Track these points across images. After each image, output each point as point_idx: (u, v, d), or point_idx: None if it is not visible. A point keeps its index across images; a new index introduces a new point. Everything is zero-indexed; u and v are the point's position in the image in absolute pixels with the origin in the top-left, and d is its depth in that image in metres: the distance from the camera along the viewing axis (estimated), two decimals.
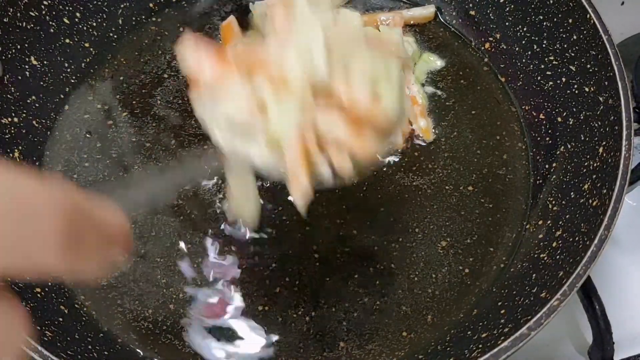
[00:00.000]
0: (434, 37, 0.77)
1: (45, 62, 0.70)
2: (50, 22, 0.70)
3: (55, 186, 0.25)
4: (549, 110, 0.68)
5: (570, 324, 0.69)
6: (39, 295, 0.57)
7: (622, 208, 0.53)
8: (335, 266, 0.61)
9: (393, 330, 0.58)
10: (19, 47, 0.67)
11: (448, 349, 0.56)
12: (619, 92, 0.58)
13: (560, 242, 0.58)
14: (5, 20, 0.66)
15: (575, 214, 0.58)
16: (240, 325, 0.59)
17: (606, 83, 0.60)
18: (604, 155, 0.58)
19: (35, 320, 0.53)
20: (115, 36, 0.76)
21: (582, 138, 0.63)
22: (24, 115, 0.68)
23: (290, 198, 0.45)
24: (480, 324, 0.56)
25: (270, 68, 0.42)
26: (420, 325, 0.59)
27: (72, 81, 0.72)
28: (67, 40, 0.72)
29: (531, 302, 0.53)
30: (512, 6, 0.73)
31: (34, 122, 0.69)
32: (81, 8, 0.73)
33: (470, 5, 0.76)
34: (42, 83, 0.70)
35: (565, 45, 0.67)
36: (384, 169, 0.67)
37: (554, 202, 0.62)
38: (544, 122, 0.69)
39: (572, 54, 0.66)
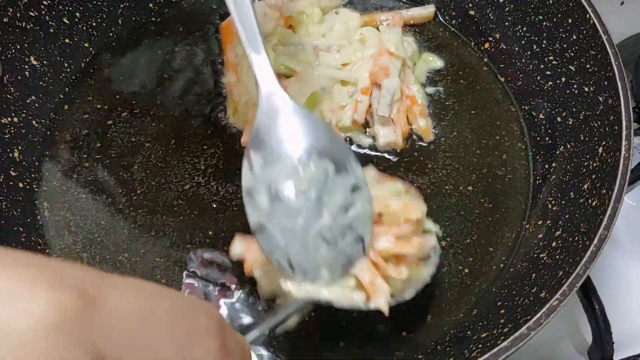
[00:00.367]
0: (434, 37, 0.77)
1: (45, 62, 0.70)
2: (50, 22, 0.70)
3: (206, 303, 0.27)
4: (548, 110, 0.68)
5: (569, 324, 0.69)
6: None
7: (622, 208, 0.53)
8: None
9: (393, 330, 0.58)
10: (19, 47, 0.67)
11: (448, 348, 0.56)
12: (619, 92, 0.59)
13: (559, 242, 0.58)
14: (5, 20, 0.66)
15: (574, 213, 0.58)
16: None
17: (606, 83, 0.61)
18: (604, 155, 0.58)
19: None
20: (115, 36, 0.76)
21: (582, 138, 0.63)
22: (24, 115, 0.68)
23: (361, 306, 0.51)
24: (480, 323, 0.56)
25: None
26: (419, 325, 0.59)
27: (72, 81, 0.72)
28: (67, 40, 0.72)
29: (531, 302, 0.53)
30: (512, 6, 0.73)
31: (34, 122, 0.69)
32: (81, 8, 0.73)
33: (470, 5, 0.76)
34: (42, 83, 0.70)
35: (564, 45, 0.67)
36: (384, 169, 0.67)
37: (553, 202, 0.62)
38: (544, 122, 0.69)
39: (572, 54, 0.66)
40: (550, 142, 0.67)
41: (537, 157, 0.68)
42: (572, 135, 0.64)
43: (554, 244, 0.58)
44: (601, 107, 0.61)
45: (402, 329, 0.58)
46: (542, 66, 0.70)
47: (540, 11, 0.69)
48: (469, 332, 0.56)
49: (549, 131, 0.68)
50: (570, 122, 0.65)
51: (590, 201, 0.57)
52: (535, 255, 0.60)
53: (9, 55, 0.67)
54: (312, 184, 0.50)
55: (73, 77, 0.73)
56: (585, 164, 0.61)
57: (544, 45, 0.69)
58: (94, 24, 0.75)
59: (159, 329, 0.25)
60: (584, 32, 0.64)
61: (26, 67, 0.68)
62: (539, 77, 0.70)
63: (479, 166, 0.68)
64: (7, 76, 0.66)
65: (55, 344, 0.22)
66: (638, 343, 0.67)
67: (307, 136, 0.52)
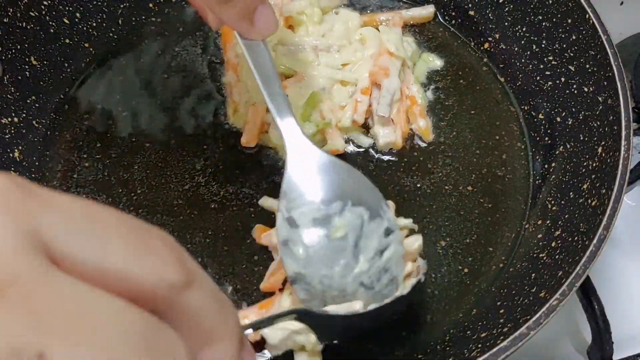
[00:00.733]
0: (434, 37, 0.77)
1: (45, 62, 0.70)
2: (50, 22, 0.70)
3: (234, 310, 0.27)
4: (548, 110, 0.68)
5: (569, 324, 0.69)
6: None
7: (621, 208, 0.53)
8: None
9: (392, 329, 0.58)
10: (19, 47, 0.67)
11: (447, 348, 0.56)
12: (618, 92, 0.59)
13: (559, 241, 0.58)
14: (5, 20, 0.66)
15: (574, 213, 0.58)
16: None
17: (605, 83, 0.61)
18: (603, 155, 0.58)
19: None
20: (115, 36, 0.76)
21: (581, 138, 0.63)
22: (24, 115, 0.68)
23: None
24: (480, 323, 0.57)
25: None
26: (419, 325, 0.59)
27: (72, 81, 0.73)
28: (67, 40, 0.72)
29: (530, 302, 0.53)
30: (512, 6, 0.73)
31: (34, 122, 0.69)
32: (81, 8, 0.73)
33: (470, 5, 0.76)
34: (42, 83, 0.70)
35: (564, 45, 0.67)
36: (384, 169, 0.67)
37: (553, 202, 0.63)
38: (543, 122, 0.69)
39: (571, 54, 0.66)
40: (549, 142, 0.67)
41: (537, 157, 0.68)
42: (571, 135, 0.65)
43: (553, 244, 0.58)
44: (601, 107, 0.61)
45: (401, 329, 0.59)
46: (541, 66, 0.70)
47: (539, 11, 0.69)
48: (468, 332, 0.57)
49: (549, 131, 0.68)
50: (570, 122, 0.65)
51: (589, 201, 0.57)
52: (534, 255, 0.60)
53: (9, 55, 0.67)
54: (348, 230, 0.52)
55: (73, 77, 0.73)
56: (585, 164, 0.61)
57: (543, 46, 0.70)
58: (94, 24, 0.75)
59: (107, 229, 0.23)
60: (584, 32, 0.64)
61: (26, 67, 0.68)
62: (538, 77, 0.70)
63: (479, 166, 0.68)
64: (7, 76, 0.66)
65: None
66: (638, 343, 0.67)
67: (341, 186, 0.53)
